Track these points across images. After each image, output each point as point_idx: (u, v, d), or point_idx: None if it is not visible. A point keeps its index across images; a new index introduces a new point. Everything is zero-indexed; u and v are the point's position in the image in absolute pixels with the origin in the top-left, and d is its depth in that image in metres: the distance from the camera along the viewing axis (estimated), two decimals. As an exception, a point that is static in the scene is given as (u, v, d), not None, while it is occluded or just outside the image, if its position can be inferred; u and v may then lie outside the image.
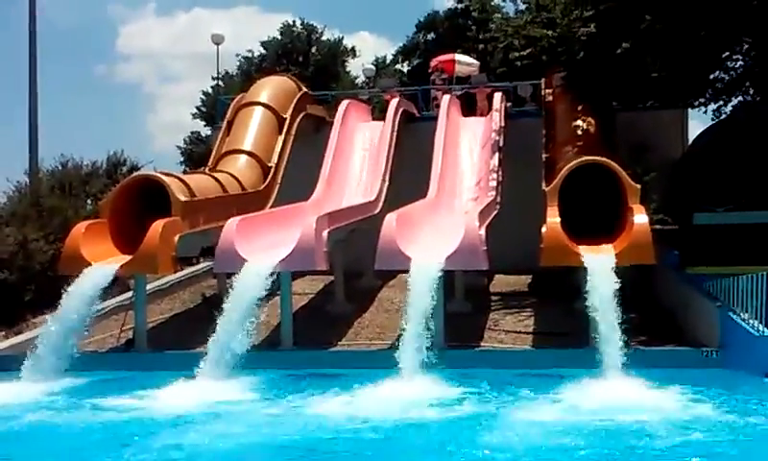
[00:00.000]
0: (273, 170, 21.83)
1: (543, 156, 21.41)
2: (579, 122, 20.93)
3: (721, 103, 22.07)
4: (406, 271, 15.73)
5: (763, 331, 14.68)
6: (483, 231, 16.42)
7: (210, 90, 48.89)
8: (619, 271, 15.07)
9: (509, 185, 20.95)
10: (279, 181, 21.98)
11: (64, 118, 69.75)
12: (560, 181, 17.02)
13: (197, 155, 44.86)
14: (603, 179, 17.04)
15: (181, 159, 50.54)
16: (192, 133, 51.66)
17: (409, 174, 21.26)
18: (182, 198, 17.66)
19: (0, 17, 64.20)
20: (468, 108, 25.97)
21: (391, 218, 16.63)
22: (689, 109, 24.63)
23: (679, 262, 18.55)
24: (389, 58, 51.92)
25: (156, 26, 79.45)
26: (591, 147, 19.13)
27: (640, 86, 21.82)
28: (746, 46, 20.89)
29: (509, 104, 25.32)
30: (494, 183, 20.51)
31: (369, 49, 73.22)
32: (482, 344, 17.13)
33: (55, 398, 13.79)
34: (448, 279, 16.65)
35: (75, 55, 77.69)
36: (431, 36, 46.99)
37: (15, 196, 24.46)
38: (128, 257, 16.66)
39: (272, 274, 15.80)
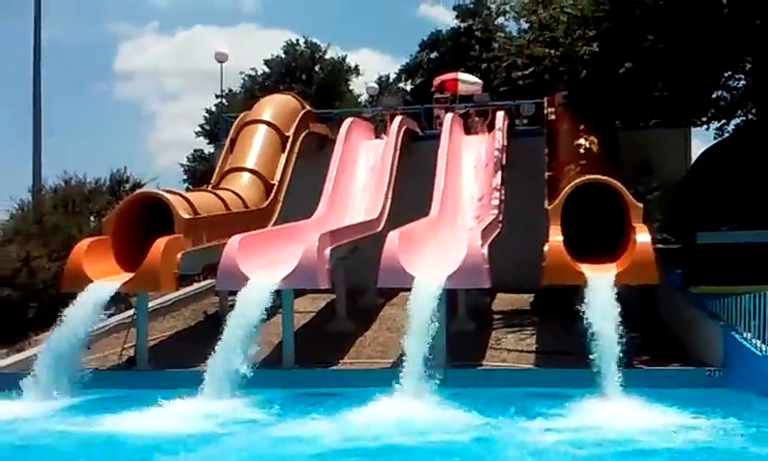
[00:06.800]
0: (275, 188, 21.86)
1: (546, 174, 21.45)
2: (581, 141, 20.96)
3: (723, 122, 22.15)
4: (408, 289, 15.69)
5: (766, 351, 14.62)
6: (485, 250, 16.38)
7: (213, 108, 49.02)
8: (622, 290, 15.04)
9: (511, 204, 20.93)
10: (282, 199, 22.01)
11: (68, 136, 69.90)
12: (562, 200, 17.00)
13: (200, 172, 44.89)
14: (606, 197, 17.04)
15: (184, 177, 50.63)
16: (195, 150, 51.74)
17: (412, 192, 21.22)
18: (185, 215, 17.69)
19: (3, 35, 64.48)
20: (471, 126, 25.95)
21: (393, 236, 16.62)
22: (692, 128, 24.68)
23: (682, 281, 18.49)
24: (392, 76, 52.09)
25: (158, 43, 79.72)
26: (594, 166, 19.12)
27: (643, 105, 21.88)
28: (748, 66, 20.96)
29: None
30: (497, 202, 20.51)
31: (371, 66, 73.27)
32: (484, 363, 17.07)
33: (56, 415, 13.75)
34: (451, 298, 16.60)
35: (77, 72, 77.87)
36: (434, 54, 47.20)
37: (19, 214, 24.47)
38: (130, 275, 16.66)
39: (274, 292, 15.81)
